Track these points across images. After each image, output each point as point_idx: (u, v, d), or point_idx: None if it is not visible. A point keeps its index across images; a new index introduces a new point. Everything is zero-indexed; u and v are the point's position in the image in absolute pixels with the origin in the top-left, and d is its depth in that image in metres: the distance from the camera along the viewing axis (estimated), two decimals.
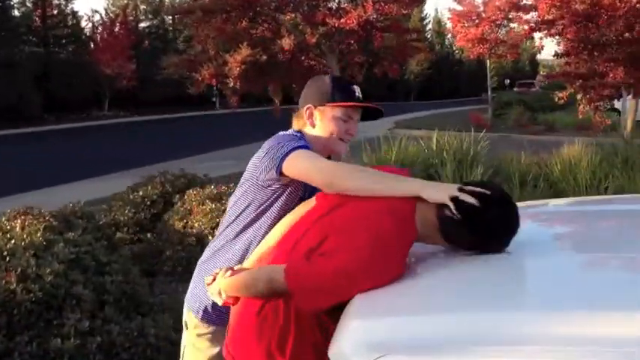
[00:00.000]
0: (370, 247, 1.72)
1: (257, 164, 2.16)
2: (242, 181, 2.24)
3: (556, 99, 11.49)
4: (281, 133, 2.24)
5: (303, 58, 10.90)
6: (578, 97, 10.76)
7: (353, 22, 9.70)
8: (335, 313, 1.73)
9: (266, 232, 2.14)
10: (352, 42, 10.78)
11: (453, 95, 57.76)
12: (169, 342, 4.13)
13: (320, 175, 1.99)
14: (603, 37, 9.90)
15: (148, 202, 6.84)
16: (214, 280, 1.96)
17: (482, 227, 1.76)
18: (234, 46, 10.00)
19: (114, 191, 8.97)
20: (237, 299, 1.93)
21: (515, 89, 45.41)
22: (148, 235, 6.53)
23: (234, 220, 2.23)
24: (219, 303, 1.97)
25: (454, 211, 1.75)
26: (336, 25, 9.98)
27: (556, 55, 10.91)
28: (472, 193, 1.77)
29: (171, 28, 44.67)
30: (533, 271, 1.79)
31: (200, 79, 10.32)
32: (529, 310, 1.48)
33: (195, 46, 11.21)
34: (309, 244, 1.84)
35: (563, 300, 1.49)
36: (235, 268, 1.97)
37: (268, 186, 2.13)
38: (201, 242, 5.80)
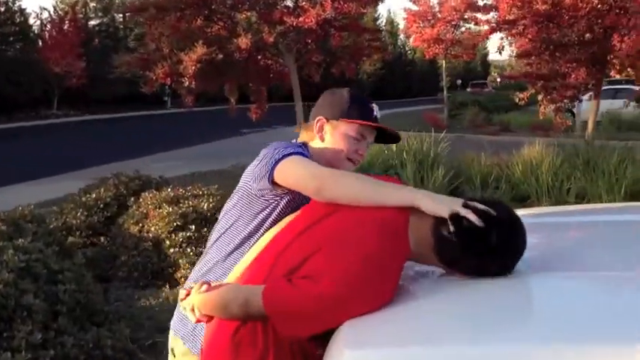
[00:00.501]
0: (359, 269, 1.56)
1: (250, 172, 2.00)
2: (235, 190, 2.08)
3: (517, 100, 11.54)
4: (278, 142, 2.07)
5: (259, 57, 10.71)
6: (539, 97, 10.83)
7: (311, 21, 9.55)
8: (318, 337, 1.59)
9: None
10: (310, 41, 10.65)
11: (405, 95, 58.22)
12: (127, 353, 3.96)
13: (311, 182, 1.82)
14: (565, 37, 9.98)
15: (101, 205, 6.60)
16: (188, 294, 1.80)
17: (483, 252, 1.59)
18: (189, 44, 9.75)
19: (64, 193, 8.66)
20: (212, 317, 1.76)
21: (468, 90, 46.02)
22: (102, 239, 6.31)
23: (224, 232, 2.06)
24: (192, 320, 1.80)
25: (451, 230, 1.58)
26: (294, 23, 9.83)
27: (518, 55, 10.98)
28: (475, 211, 1.59)
29: (121, 26, 43.78)
30: (541, 295, 1.63)
31: (154, 78, 10.03)
32: (537, 344, 1.33)
33: (149, 45, 10.89)
34: (290, 261, 1.67)
35: (574, 331, 1.36)
36: (212, 283, 1.79)
37: (262, 196, 1.97)
38: (158, 247, 5.60)
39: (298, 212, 1.87)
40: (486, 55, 73.71)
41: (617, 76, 16.82)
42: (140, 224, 5.80)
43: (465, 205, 1.61)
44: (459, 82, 52.20)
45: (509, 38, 11.46)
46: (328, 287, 1.54)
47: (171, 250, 5.51)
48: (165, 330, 4.46)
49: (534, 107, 20.29)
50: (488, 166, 8.99)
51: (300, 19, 9.72)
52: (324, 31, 10.54)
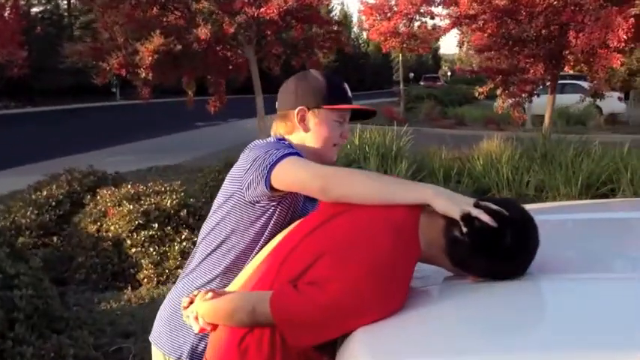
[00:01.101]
0: (370, 273, 1.47)
1: (240, 178, 1.84)
2: (221, 200, 1.91)
3: (476, 94, 11.69)
4: (260, 141, 1.92)
5: (219, 48, 10.43)
6: (498, 92, 10.98)
7: (273, 12, 9.36)
8: (324, 346, 1.52)
9: None
10: (270, 33, 10.44)
11: (358, 88, 58.37)
12: None
13: (315, 182, 1.71)
14: (524, 33, 10.13)
15: (53, 203, 6.30)
16: (192, 302, 1.71)
17: (496, 253, 1.52)
18: (145, 34, 9.41)
19: (8, 190, 8.28)
20: (216, 325, 1.68)
21: (421, 83, 46.54)
22: (55, 239, 6.01)
23: (215, 248, 1.91)
24: (195, 329, 1.70)
25: (463, 230, 1.51)
26: (256, 14, 9.61)
27: (478, 50, 11.09)
28: (488, 211, 1.52)
29: (66, 14, 42.54)
30: (557, 298, 1.55)
31: (107, 68, 9.66)
32: (569, 352, 1.25)
33: (102, 33, 10.47)
34: (296, 265, 1.58)
35: (595, 337, 1.28)
36: (217, 290, 1.72)
37: (257, 202, 1.83)
38: (119, 247, 5.36)
39: (305, 216, 1.79)
40: (437, 49, 74.74)
41: (571, 72, 17.20)
42: (98, 223, 5.54)
43: (477, 205, 1.54)
44: (412, 75, 52.69)
45: (469, 33, 11.58)
46: (336, 294, 1.47)
47: (133, 249, 5.28)
48: (129, 335, 4.29)
49: (486, 101, 20.68)
50: (450, 159, 9.05)
51: (262, 9, 9.51)
52: (286, 22, 10.37)
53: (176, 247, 5.28)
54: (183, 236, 5.34)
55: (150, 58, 9.03)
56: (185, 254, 5.28)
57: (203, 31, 9.17)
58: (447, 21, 11.89)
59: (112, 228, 5.41)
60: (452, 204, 1.55)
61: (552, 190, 8.06)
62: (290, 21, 10.47)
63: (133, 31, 9.77)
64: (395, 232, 1.55)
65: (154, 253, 5.25)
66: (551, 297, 1.57)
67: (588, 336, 1.29)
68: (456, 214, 1.52)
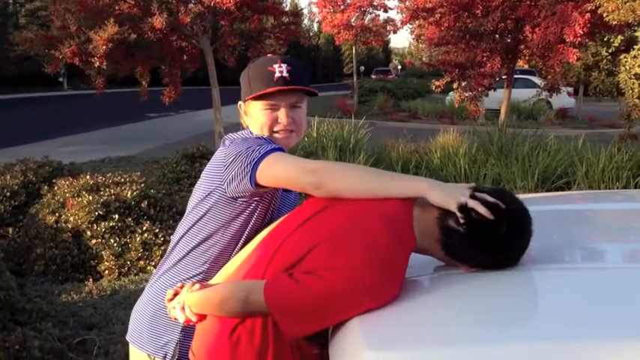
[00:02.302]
0: (366, 264, 1.47)
1: (221, 173, 1.80)
2: (201, 195, 1.86)
3: (433, 87, 11.75)
4: (239, 135, 1.89)
5: (174, 38, 10.26)
6: (455, 85, 11.05)
7: (230, 2, 9.25)
8: (316, 336, 1.52)
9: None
10: (225, 23, 10.30)
11: (310, 81, 58.36)
12: (56, 354, 3.70)
13: (307, 178, 1.67)
14: (481, 27, 10.24)
15: (8, 194, 6.13)
16: (176, 294, 1.69)
17: (491, 244, 1.53)
18: (99, 22, 9.18)
19: None
20: (203, 316, 1.65)
21: (372, 76, 46.67)
22: (10, 230, 5.85)
23: (197, 245, 1.87)
24: (181, 320, 1.66)
25: (461, 222, 1.51)
26: (212, 4, 9.48)
27: (436, 44, 11.18)
28: (485, 203, 1.52)
29: (11, 1, 41.14)
30: (552, 289, 1.56)
31: (60, 57, 9.39)
32: (569, 341, 1.26)
33: (54, 21, 10.14)
34: (290, 254, 1.57)
35: (593, 328, 1.30)
36: (204, 282, 1.69)
37: (238, 198, 1.80)
38: (78, 238, 5.26)
39: (297, 207, 1.77)
40: (388, 42, 75.09)
41: (526, 66, 17.44)
42: (57, 214, 5.42)
43: (473, 197, 1.54)
44: (362, 68, 52.82)
45: (426, 26, 11.64)
46: (334, 283, 1.46)
47: (93, 241, 5.19)
48: (92, 327, 4.22)
49: (438, 95, 20.94)
50: (407, 152, 9.11)
51: None
52: (242, 13, 10.26)
53: (137, 239, 5.20)
54: (144, 227, 5.27)
55: (104, 47, 8.81)
56: (147, 245, 5.22)
57: (158, 20, 9.00)
58: (402, 14, 11.91)
59: (71, 219, 5.30)
60: (447, 196, 1.54)
61: (509, 183, 8.17)
62: (246, 12, 10.37)
63: (86, 19, 9.50)
64: (389, 222, 1.54)
65: (115, 244, 5.17)
66: (544, 287, 1.57)
67: (580, 326, 1.30)
68: (452, 207, 1.52)
